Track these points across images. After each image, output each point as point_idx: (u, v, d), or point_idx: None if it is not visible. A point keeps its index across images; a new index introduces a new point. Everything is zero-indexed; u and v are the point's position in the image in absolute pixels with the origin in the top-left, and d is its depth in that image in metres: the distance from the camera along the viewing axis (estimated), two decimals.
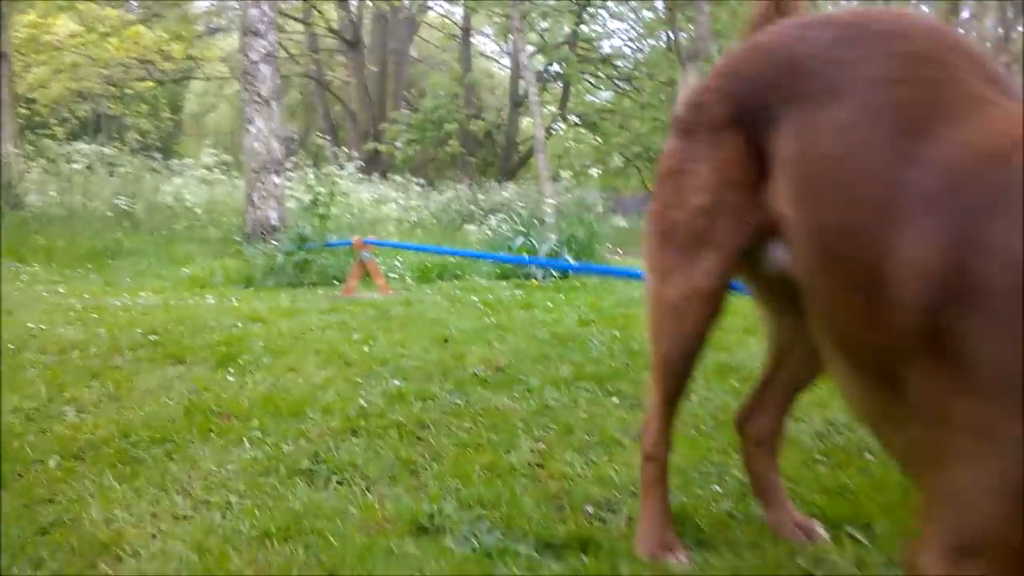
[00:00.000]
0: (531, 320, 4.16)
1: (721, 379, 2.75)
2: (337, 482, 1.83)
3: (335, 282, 6.15)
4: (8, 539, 1.49)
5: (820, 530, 1.53)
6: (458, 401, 2.52)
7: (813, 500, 1.68)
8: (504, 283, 6.15)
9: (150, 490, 1.75)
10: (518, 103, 20.46)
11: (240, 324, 3.93)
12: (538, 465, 1.94)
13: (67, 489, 1.74)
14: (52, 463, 1.88)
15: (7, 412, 2.30)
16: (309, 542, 1.51)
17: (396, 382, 2.75)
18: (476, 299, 5.04)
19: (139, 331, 3.57)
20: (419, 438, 2.17)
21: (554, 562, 1.44)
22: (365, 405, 2.45)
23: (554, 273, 6.26)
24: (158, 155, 12.24)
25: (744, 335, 3.39)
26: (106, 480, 1.80)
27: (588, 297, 5.11)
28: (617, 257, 7.85)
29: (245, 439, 2.11)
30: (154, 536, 1.52)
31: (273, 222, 8.50)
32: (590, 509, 1.67)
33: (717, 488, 1.77)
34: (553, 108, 20.55)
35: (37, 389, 2.55)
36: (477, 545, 1.50)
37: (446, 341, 3.54)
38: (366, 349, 3.33)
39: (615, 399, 2.56)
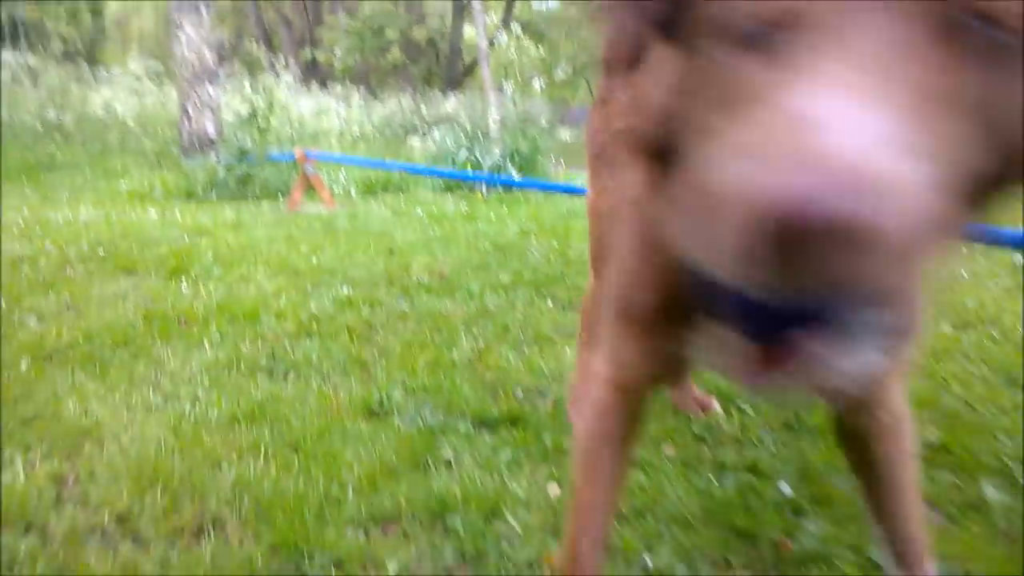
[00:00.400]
0: (474, 232, 4.33)
1: None
2: (294, 376, 2.03)
3: (279, 196, 6.16)
4: None
5: (715, 405, 1.81)
6: (404, 306, 2.71)
7: (713, 382, 1.95)
8: (449, 196, 6.26)
9: (121, 386, 1.91)
10: (461, 9, 19.85)
11: (187, 237, 3.99)
12: (477, 360, 2.16)
13: (42, 388, 1.89)
14: (23, 366, 2.01)
15: None
16: (273, 425, 1.71)
17: (345, 289, 2.92)
18: (421, 212, 5.17)
19: (86, 245, 3.61)
20: (368, 339, 2.36)
21: (489, 435, 1.68)
22: (316, 311, 2.62)
23: (498, 187, 6.39)
24: (84, 63, 11.61)
25: None
26: (77, 379, 1.95)
27: (530, 210, 5.29)
28: (560, 171, 7.99)
29: (205, 341, 2.27)
30: (131, 424, 1.70)
31: (210, 135, 8.30)
32: (520, 393, 1.91)
33: None
34: (498, 15, 20.02)
35: None
36: (422, 424, 1.72)
37: (392, 252, 3.69)
38: (314, 260, 3.46)
39: (549, 302, 2.78)
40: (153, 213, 4.94)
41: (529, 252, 3.68)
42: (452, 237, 4.11)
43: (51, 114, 8.63)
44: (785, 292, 0.40)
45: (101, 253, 3.45)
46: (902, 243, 0.37)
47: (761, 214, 0.37)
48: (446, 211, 5.23)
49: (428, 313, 2.63)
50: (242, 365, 2.08)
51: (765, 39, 0.45)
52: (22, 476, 1.45)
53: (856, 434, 0.94)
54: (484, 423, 1.73)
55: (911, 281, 0.41)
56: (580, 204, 4.60)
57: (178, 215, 4.88)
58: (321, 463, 1.53)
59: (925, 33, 0.43)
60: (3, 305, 2.55)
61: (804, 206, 0.36)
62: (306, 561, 1.21)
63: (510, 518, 1.33)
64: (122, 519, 1.32)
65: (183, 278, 3.07)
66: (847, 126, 0.38)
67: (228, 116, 8.56)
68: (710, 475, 1.50)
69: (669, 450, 1.62)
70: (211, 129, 8.33)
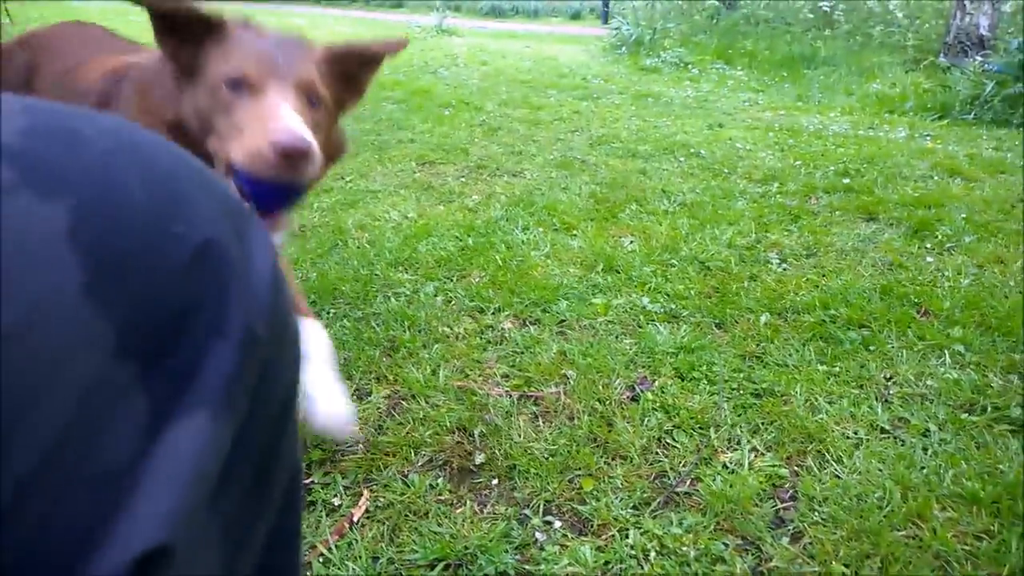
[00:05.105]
0: None
1: None
2: None
3: None
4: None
5: None
6: None
7: None
8: None
9: (848, 382, 1.77)
10: None
11: (935, 177, 3.54)
12: None
13: (773, 350, 1.90)
14: (761, 319, 2.06)
15: (723, 245, 2.59)
16: None
17: None
18: None
19: (832, 169, 3.54)
20: None
21: None
22: None
23: None
24: None
25: None
26: (807, 353, 1.89)
27: None
28: None
29: (945, 351, 1.93)
30: (855, 443, 1.55)
31: (982, 31, 7.11)
32: None
33: None
34: None
35: (747, 226, 2.78)
36: None
37: None
38: None
39: None
40: (902, 132, 4.56)
41: None
42: None
43: (823, 2, 8.69)
44: (278, 182, 1.07)
45: (845, 183, 3.33)
46: (314, 164, 1.07)
47: (271, 150, 1.03)
48: None
49: None
50: (990, 408, 1.69)
51: (238, 85, 1.12)
52: (746, 466, 1.47)
53: None
54: None
55: (316, 181, 1.17)
56: None
57: (928, 140, 4.38)
58: None
59: (319, 77, 1.21)
60: (753, 234, 2.69)
61: (286, 144, 1.03)
62: None
63: None
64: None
65: (927, 240, 2.71)
66: (289, 116, 1.08)
67: (1009, 7, 7.17)
68: None
69: None
70: (984, 25, 7.12)
